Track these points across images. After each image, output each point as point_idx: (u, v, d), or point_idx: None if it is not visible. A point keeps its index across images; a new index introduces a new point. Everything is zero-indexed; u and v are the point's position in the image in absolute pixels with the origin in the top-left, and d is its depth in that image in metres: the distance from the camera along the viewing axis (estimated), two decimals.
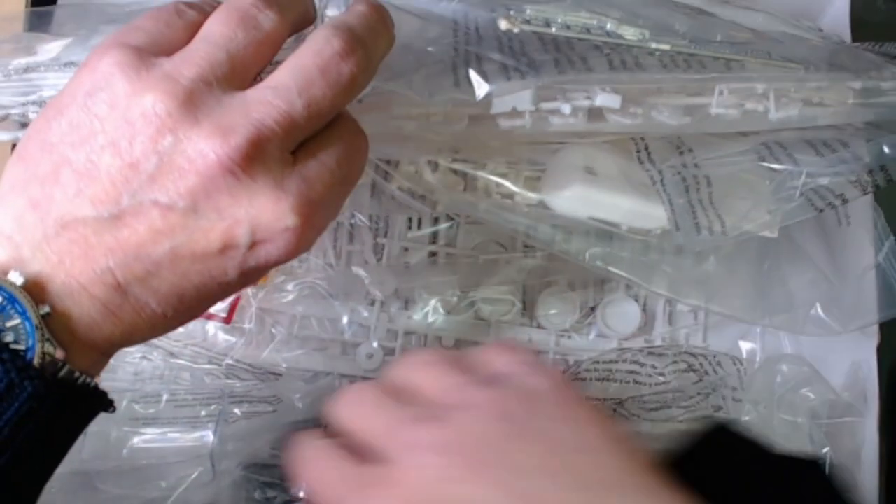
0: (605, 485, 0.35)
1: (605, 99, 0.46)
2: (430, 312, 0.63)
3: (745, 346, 0.64)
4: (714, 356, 0.61)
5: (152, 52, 0.38)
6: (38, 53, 0.49)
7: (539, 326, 0.64)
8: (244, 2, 0.39)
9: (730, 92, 0.47)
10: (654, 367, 0.60)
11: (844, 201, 0.48)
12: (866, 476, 0.62)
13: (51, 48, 0.49)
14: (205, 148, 0.35)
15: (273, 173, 0.37)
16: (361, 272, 0.63)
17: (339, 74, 0.38)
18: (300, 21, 0.43)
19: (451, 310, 0.64)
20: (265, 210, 0.36)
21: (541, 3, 0.50)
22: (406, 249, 0.63)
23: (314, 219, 0.38)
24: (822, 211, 0.48)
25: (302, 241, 0.38)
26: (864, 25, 0.66)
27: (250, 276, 0.39)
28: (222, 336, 0.62)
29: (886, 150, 0.48)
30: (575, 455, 0.36)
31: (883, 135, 0.49)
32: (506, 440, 0.36)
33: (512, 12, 0.49)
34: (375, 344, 0.63)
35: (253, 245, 0.37)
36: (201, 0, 0.42)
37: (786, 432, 0.59)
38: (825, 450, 0.60)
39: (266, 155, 0.36)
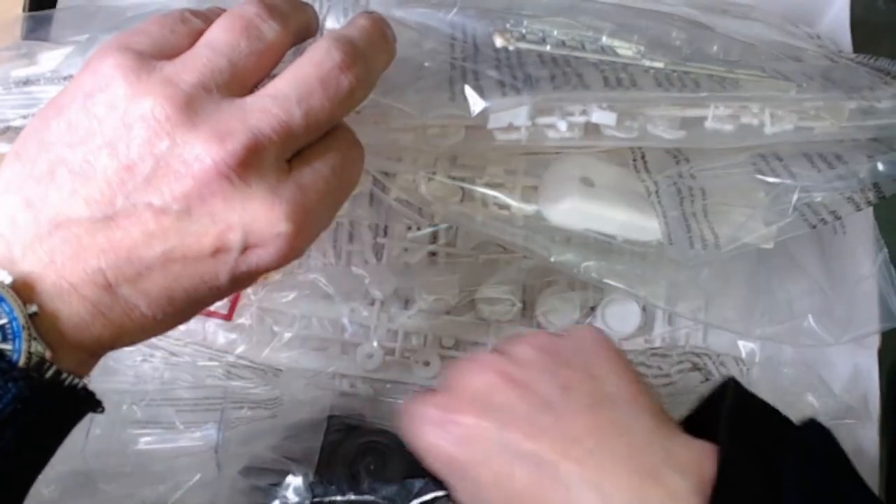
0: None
1: (600, 116, 0.48)
2: (430, 312, 0.65)
3: (744, 346, 0.65)
4: (717, 356, 0.63)
5: (154, 56, 0.39)
6: (38, 63, 0.51)
7: (539, 326, 0.66)
8: (248, 11, 0.40)
9: (725, 107, 0.49)
10: (659, 368, 0.62)
11: (837, 218, 0.49)
12: (866, 478, 0.63)
13: (51, 57, 0.51)
14: (201, 152, 0.36)
15: (268, 180, 0.38)
16: (361, 272, 0.64)
17: (338, 86, 0.39)
18: (302, 33, 0.44)
19: (451, 310, 0.65)
20: (259, 216, 0.37)
21: (538, 17, 0.51)
22: (406, 249, 0.64)
23: (307, 226, 0.39)
24: (814, 227, 0.49)
25: (294, 248, 0.39)
26: (864, 25, 0.67)
27: (241, 280, 0.40)
28: (223, 333, 0.64)
29: (881, 167, 0.49)
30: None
31: (883, 150, 0.51)
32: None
33: (509, 25, 0.50)
34: (375, 344, 0.64)
35: (245, 250, 0.38)
36: (207, 9, 0.43)
37: None
38: None
39: (262, 162, 0.37)
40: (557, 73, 0.48)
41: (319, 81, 0.39)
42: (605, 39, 0.51)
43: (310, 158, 0.40)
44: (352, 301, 0.65)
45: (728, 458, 0.41)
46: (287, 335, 0.64)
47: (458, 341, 0.66)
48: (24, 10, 0.63)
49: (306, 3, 0.45)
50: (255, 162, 0.37)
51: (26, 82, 0.48)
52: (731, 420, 0.43)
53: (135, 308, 0.38)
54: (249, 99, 0.38)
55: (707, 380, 0.61)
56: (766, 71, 0.50)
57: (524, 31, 0.51)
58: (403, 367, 0.65)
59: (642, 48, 0.50)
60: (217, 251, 0.38)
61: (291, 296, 0.64)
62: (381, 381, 0.65)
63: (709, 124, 0.49)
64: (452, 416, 0.45)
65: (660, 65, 0.49)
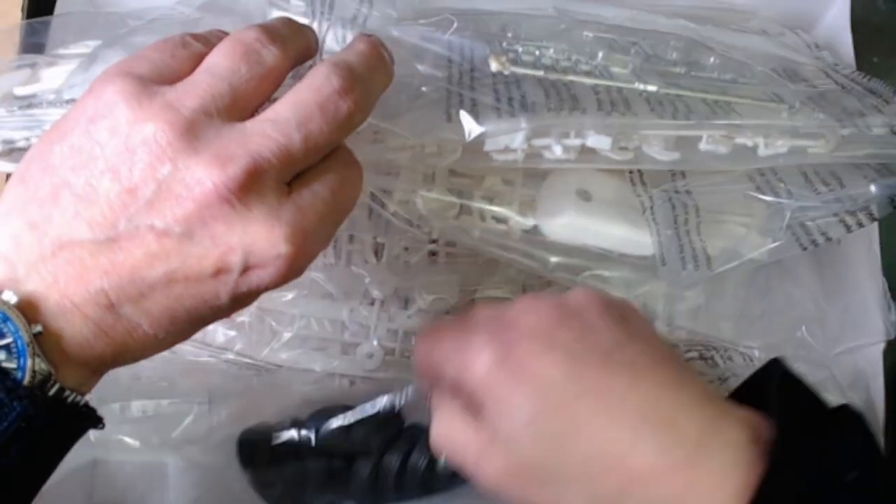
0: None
1: (596, 140, 0.49)
2: (429, 312, 0.66)
3: (750, 346, 0.65)
4: (725, 349, 0.63)
5: (156, 81, 0.40)
6: (41, 80, 0.52)
7: None
8: (248, 36, 0.42)
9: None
10: None
11: (828, 240, 0.50)
12: None
13: (54, 74, 0.52)
14: (202, 176, 0.38)
15: (268, 203, 0.39)
16: (361, 272, 0.65)
17: (336, 111, 0.41)
18: (302, 55, 0.45)
19: (451, 310, 0.66)
20: (259, 238, 0.39)
21: (533, 38, 0.52)
22: (406, 249, 0.65)
23: (306, 247, 0.40)
24: (805, 249, 0.51)
25: (293, 269, 0.40)
26: (864, 25, 0.68)
27: (242, 300, 0.41)
28: (222, 332, 0.66)
29: (874, 189, 0.51)
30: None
31: (880, 171, 0.52)
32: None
33: (504, 45, 0.51)
34: (375, 343, 0.65)
35: (245, 271, 0.39)
36: (208, 32, 0.44)
37: None
38: None
39: (262, 185, 0.39)
40: (552, 95, 0.49)
41: (318, 106, 0.40)
42: (600, 58, 0.52)
43: (309, 180, 0.41)
44: (352, 301, 0.65)
45: (786, 418, 0.42)
46: (287, 335, 0.65)
47: None
48: (22, 10, 0.64)
49: (305, 26, 0.47)
50: (256, 185, 0.38)
51: (29, 105, 0.49)
52: (781, 390, 0.44)
53: (137, 327, 0.39)
54: (249, 124, 0.40)
55: (717, 367, 0.62)
56: (760, 93, 0.51)
57: (520, 49, 0.52)
58: (403, 367, 0.66)
59: (637, 64, 0.51)
60: (218, 272, 0.39)
61: (291, 295, 0.65)
62: (381, 380, 0.65)
63: (703, 146, 0.50)
64: (513, 348, 0.44)
65: (653, 88, 0.50)
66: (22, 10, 0.64)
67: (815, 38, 0.67)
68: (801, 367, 0.62)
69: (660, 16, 0.59)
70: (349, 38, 0.51)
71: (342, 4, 0.52)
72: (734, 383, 0.60)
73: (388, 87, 0.46)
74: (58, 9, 0.66)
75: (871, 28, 0.68)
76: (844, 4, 0.68)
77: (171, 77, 0.41)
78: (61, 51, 0.56)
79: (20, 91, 0.51)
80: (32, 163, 0.40)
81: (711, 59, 0.54)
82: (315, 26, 0.50)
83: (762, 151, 0.51)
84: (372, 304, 0.66)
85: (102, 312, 0.38)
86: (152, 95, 0.39)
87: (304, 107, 0.40)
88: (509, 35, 0.53)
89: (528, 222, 0.54)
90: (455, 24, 0.52)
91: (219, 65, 0.41)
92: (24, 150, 0.49)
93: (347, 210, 0.44)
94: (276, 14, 0.53)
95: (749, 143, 0.50)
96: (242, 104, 0.41)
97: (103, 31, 0.56)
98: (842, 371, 0.65)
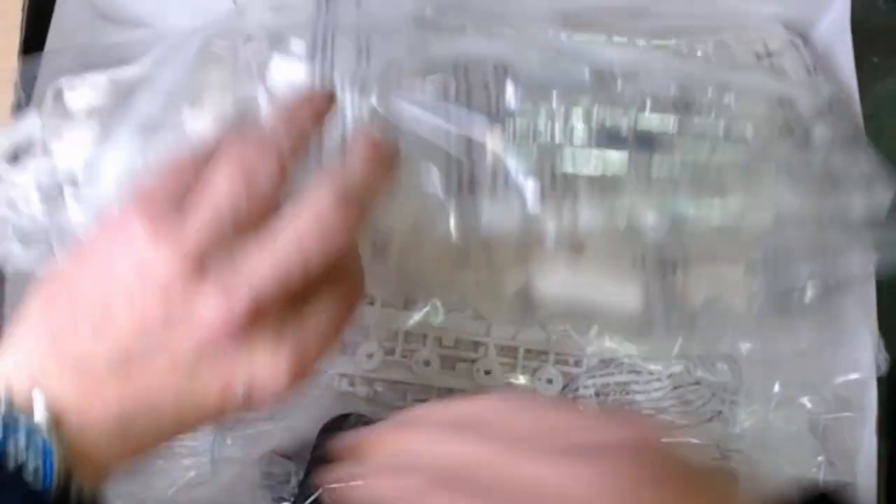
0: None
1: (588, 217, 0.51)
2: (430, 312, 0.68)
3: (743, 346, 0.66)
4: (708, 357, 0.66)
5: (171, 208, 0.43)
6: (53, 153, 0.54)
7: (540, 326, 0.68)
8: (248, 153, 0.43)
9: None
10: (650, 373, 0.66)
11: (810, 303, 0.53)
12: (864, 476, 0.67)
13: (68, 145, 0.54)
14: (209, 312, 0.41)
15: (270, 333, 0.43)
16: None
17: (339, 239, 0.43)
18: (306, 147, 0.46)
19: (451, 310, 0.68)
20: (263, 369, 0.43)
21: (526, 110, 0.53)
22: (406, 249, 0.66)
23: (308, 369, 0.44)
24: (789, 311, 0.53)
25: (295, 390, 0.44)
26: (864, 26, 0.69)
27: (241, 413, 0.45)
28: None
29: (859, 260, 0.53)
30: None
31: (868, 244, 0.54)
32: None
33: (501, 113, 0.53)
34: (375, 344, 0.68)
35: (248, 398, 0.43)
36: (213, 138, 0.46)
37: (781, 438, 0.65)
38: (819, 458, 0.66)
39: (264, 317, 0.42)
40: (546, 179, 0.51)
41: (320, 236, 0.42)
42: (594, 121, 0.53)
43: (311, 299, 0.45)
44: None
45: None
46: None
47: (458, 341, 0.69)
48: (22, 10, 0.65)
49: (307, 105, 0.47)
50: (259, 318, 0.42)
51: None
52: None
53: (147, 440, 0.44)
54: (253, 256, 0.42)
55: (698, 383, 0.65)
56: (748, 161, 0.53)
57: (517, 121, 0.53)
58: (403, 367, 0.68)
59: (631, 122, 0.53)
60: (222, 404, 0.43)
61: None
62: (381, 380, 0.68)
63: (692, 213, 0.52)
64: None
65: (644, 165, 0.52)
66: (22, 9, 0.65)
67: (814, 44, 0.68)
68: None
69: (656, 55, 0.59)
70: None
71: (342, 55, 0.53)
72: (724, 397, 0.63)
73: (388, 192, 0.47)
74: (57, 10, 0.67)
75: (871, 28, 0.69)
76: (844, 4, 0.69)
77: (183, 197, 0.43)
78: (61, 85, 0.58)
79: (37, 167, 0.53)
80: (53, 286, 0.44)
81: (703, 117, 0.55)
82: (315, 67, 0.51)
83: (748, 224, 0.53)
84: (372, 304, 0.68)
85: (118, 429, 0.42)
86: (167, 231, 0.42)
87: (306, 236, 0.42)
88: (502, 105, 0.54)
89: (522, 277, 0.57)
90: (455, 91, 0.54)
91: (222, 192, 0.43)
92: None
93: (348, 318, 0.47)
94: (277, 61, 0.54)
95: (736, 213, 0.52)
96: (246, 226, 0.43)
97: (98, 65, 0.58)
98: (836, 364, 0.67)
